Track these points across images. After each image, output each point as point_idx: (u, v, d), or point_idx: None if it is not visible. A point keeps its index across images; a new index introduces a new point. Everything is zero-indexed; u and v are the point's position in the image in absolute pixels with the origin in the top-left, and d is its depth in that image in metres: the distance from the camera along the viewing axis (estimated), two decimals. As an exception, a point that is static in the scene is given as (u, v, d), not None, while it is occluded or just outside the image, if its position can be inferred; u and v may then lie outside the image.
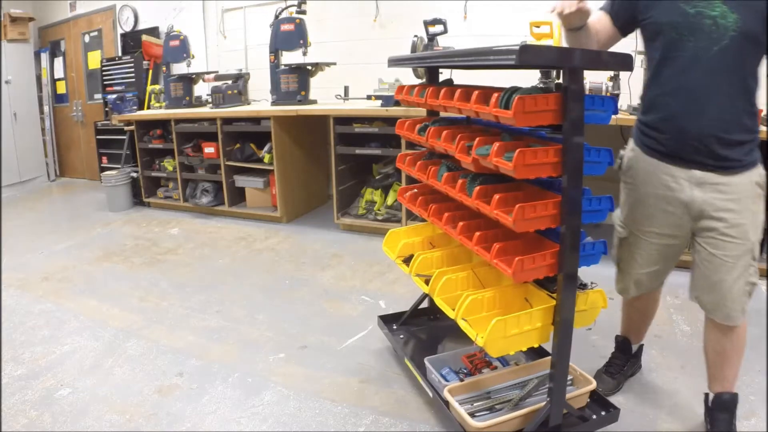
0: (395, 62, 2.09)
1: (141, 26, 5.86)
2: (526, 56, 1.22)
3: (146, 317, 2.77)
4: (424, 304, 2.36)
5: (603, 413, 1.70)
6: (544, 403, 1.58)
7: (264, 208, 4.47)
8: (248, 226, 4.35)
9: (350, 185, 4.18)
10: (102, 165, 5.76)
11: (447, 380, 1.81)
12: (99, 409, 1.99)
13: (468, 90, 1.61)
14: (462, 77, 3.21)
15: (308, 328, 2.60)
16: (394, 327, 2.29)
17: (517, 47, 1.23)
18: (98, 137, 5.75)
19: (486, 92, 1.52)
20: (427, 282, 1.82)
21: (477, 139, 1.53)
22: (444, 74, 2.29)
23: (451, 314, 1.63)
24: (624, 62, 1.39)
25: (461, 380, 1.80)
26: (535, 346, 1.60)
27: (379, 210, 3.97)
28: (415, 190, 2.12)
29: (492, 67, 1.45)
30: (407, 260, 2.01)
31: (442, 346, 2.18)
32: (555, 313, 1.51)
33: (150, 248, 3.90)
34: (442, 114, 2.12)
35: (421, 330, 2.29)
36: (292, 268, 3.40)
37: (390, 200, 3.98)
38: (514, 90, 1.40)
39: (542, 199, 1.44)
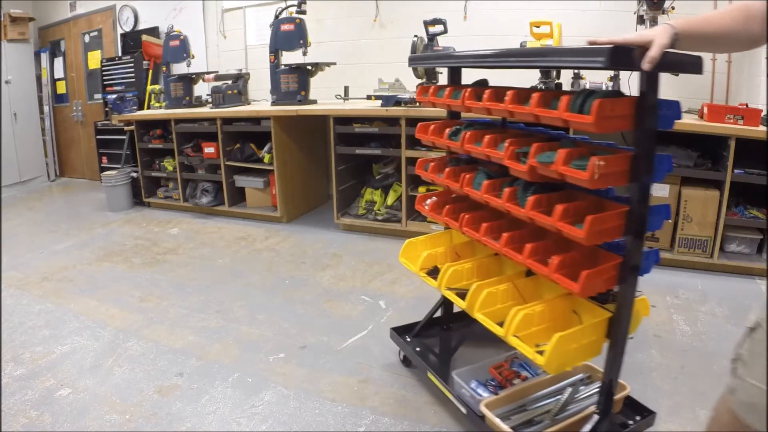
0: (428, 61, 1.90)
1: (141, 26, 5.86)
2: (616, 59, 1.14)
3: (146, 317, 2.77)
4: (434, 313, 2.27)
5: (638, 418, 1.67)
6: (590, 413, 1.52)
7: (264, 208, 4.47)
8: (248, 226, 4.35)
9: (350, 185, 4.18)
10: (102, 165, 5.76)
11: (479, 394, 1.73)
12: (99, 409, 1.99)
13: (520, 92, 1.52)
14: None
15: (308, 328, 2.60)
16: (408, 339, 2.18)
17: (608, 48, 1.14)
18: (98, 137, 5.75)
19: (545, 95, 1.43)
20: (460, 296, 1.72)
21: (534, 145, 1.43)
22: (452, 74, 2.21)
23: (498, 331, 1.53)
24: (695, 64, 1.29)
25: (494, 393, 1.72)
26: (588, 360, 1.54)
27: (379, 210, 3.97)
28: (435, 198, 2.03)
29: (556, 67, 1.37)
30: (432, 272, 1.91)
31: (462, 357, 2.09)
32: (611, 326, 1.45)
33: (150, 248, 3.90)
34: (462, 116, 2.06)
35: (437, 341, 2.20)
36: (292, 268, 3.40)
37: (390, 200, 3.98)
38: (589, 93, 1.31)
39: (603, 209, 1.39)
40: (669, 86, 3.59)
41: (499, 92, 1.59)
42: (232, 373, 2.23)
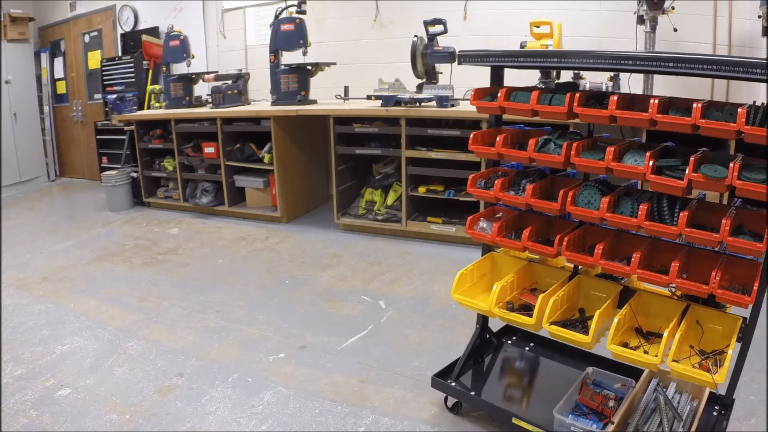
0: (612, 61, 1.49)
1: (141, 26, 5.86)
2: None
3: (146, 317, 2.77)
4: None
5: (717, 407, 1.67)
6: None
7: (264, 208, 4.47)
8: (248, 226, 4.35)
9: (350, 185, 4.18)
10: (102, 165, 5.76)
11: (587, 428, 1.60)
12: (99, 409, 1.99)
13: (662, 101, 1.41)
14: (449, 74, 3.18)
15: (308, 328, 2.60)
16: (452, 383, 1.91)
17: None
18: (98, 137, 5.75)
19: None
20: (574, 328, 1.56)
21: (693, 157, 1.36)
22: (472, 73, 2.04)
23: (649, 363, 1.45)
24: None
25: (597, 422, 1.61)
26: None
27: (379, 210, 3.97)
28: (497, 219, 1.79)
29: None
30: (524, 307, 1.70)
31: (525, 391, 1.96)
32: (745, 329, 1.47)
33: (150, 248, 3.90)
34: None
35: (481, 378, 1.99)
36: (292, 268, 3.40)
37: (390, 200, 3.98)
38: None
39: (744, 218, 1.41)
40: (668, 85, 3.59)
41: (631, 99, 1.49)
42: (232, 373, 2.23)
